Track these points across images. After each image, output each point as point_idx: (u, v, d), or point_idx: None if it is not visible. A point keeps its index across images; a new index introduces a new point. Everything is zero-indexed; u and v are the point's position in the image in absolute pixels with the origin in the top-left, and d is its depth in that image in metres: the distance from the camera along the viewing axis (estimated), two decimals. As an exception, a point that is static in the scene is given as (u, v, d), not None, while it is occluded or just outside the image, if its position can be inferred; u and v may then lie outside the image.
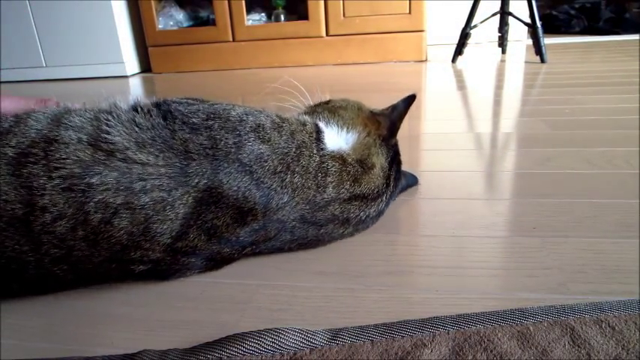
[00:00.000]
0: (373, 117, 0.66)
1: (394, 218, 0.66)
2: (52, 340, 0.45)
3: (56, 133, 0.48)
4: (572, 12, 3.21)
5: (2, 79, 2.37)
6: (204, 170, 0.49)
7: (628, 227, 0.60)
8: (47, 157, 0.46)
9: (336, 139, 0.60)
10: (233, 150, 0.51)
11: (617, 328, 0.41)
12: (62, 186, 0.45)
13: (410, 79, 1.88)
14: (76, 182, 0.45)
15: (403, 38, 2.29)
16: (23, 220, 0.44)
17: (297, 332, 0.42)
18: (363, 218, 0.59)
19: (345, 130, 0.61)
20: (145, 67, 2.53)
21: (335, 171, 0.56)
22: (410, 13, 2.23)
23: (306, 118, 0.61)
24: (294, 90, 0.72)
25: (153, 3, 2.35)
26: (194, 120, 0.52)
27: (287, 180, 0.52)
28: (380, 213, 0.62)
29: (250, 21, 2.41)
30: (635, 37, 2.71)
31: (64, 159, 0.46)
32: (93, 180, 0.45)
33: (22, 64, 2.37)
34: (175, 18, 2.46)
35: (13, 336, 0.46)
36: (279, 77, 2.03)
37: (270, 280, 0.53)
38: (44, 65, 2.35)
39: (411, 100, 0.66)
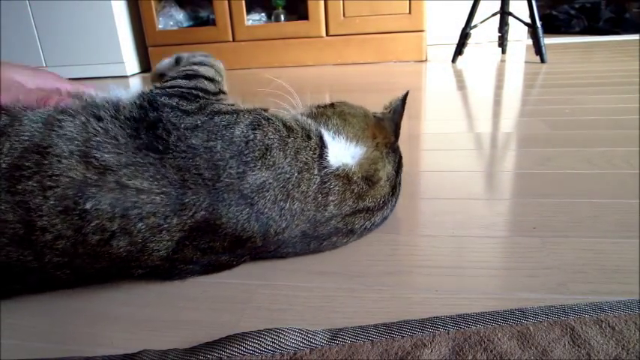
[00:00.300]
0: (379, 123, 0.64)
1: (394, 218, 0.66)
2: (52, 340, 0.45)
3: (48, 142, 0.46)
4: (572, 12, 3.21)
5: (2, 79, 2.37)
6: (201, 201, 0.47)
7: (628, 227, 0.60)
8: (40, 172, 0.44)
9: (342, 152, 0.57)
10: (235, 181, 0.48)
11: (617, 328, 0.41)
12: (58, 208, 0.44)
13: (410, 79, 1.88)
14: (72, 206, 0.44)
15: (403, 38, 2.29)
16: (25, 238, 0.45)
17: (297, 332, 0.42)
18: (369, 227, 0.59)
19: (354, 142, 0.58)
20: (145, 67, 2.53)
21: (337, 190, 0.54)
22: (410, 13, 2.23)
23: (312, 126, 0.57)
24: (287, 93, 0.70)
25: (153, 3, 2.35)
26: (193, 141, 0.48)
27: (286, 208, 0.51)
28: (385, 218, 0.61)
29: (250, 21, 2.42)
30: (635, 37, 2.71)
31: (57, 176, 0.44)
32: (87, 206, 0.44)
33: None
34: (175, 18, 2.46)
35: (13, 336, 0.46)
36: (278, 77, 2.03)
37: (270, 280, 0.53)
38: (44, 65, 2.35)
39: (406, 97, 0.66)
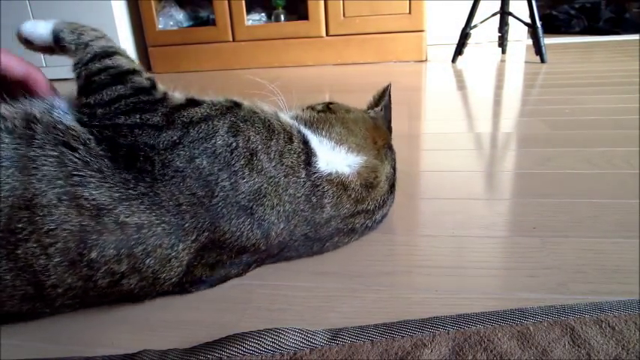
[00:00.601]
0: (376, 125, 0.64)
1: (394, 218, 0.66)
2: (52, 340, 0.45)
3: (31, 191, 0.42)
4: (572, 12, 3.21)
5: (2, 79, 2.37)
6: (202, 222, 0.46)
7: (628, 227, 0.60)
8: (36, 231, 0.42)
9: (337, 161, 0.55)
10: (230, 193, 0.47)
11: (617, 328, 0.41)
12: (65, 264, 0.43)
13: (410, 79, 1.88)
14: (77, 258, 0.43)
15: (403, 38, 2.29)
16: (37, 295, 0.44)
17: (297, 332, 0.42)
18: (370, 225, 0.59)
19: (355, 152, 0.57)
20: (145, 67, 2.51)
21: (331, 194, 0.53)
22: (410, 13, 2.23)
23: (293, 128, 0.55)
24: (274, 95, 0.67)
25: (153, 3, 2.35)
26: (177, 164, 0.46)
27: (281, 211, 0.50)
28: (385, 215, 0.61)
29: (250, 21, 2.42)
30: (635, 37, 2.71)
31: (53, 230, 0.42)
32: (93, 255, 0.43)
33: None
34: (175, 18, 2.46)
35: (13, 336, 0.46)
36: (277, 77, 2.03)
37: (270, 280, 0.53)
38: (44, 65, 2.35)
39: (389, 90, 0.67)
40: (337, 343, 0.41)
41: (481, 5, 2.09)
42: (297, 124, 0.57)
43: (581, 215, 0.64)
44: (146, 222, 0.45)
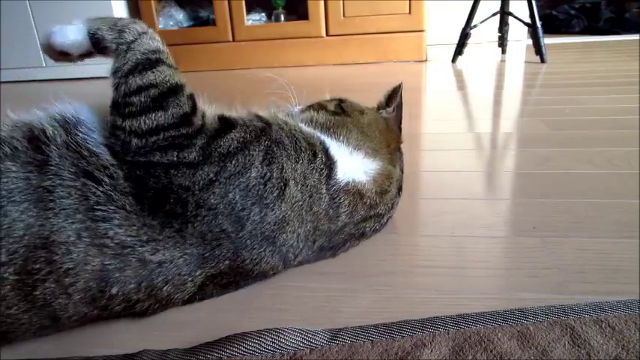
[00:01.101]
0: (388, 127, 0.63)
1: (394, 218, 0.66)
2: (52, 340, 0.45)
3: (48, 228, 0.39)
4: (572, 12, 3.21)
5: (2, 79, 2.37)
6: (225, 252, 0.46)
7: (628, 227, 0.60)
8: (54, 271, 0.39)
9: (355, 168, 0.55)
10: (258, 226, 0.47)
11: (617, 328, 0.41)
12: (84, 300, 0.41)
13: (410, 79, 1.88)
14: (98, 295, 0.42)
15: (403, 38, 2.29)
16: (52, 325, 0.43)
17: (297, 332, 0.42)
18: (378, 228, 0.59)
19: (371, 158, 0.57)
20: (145, 67, 2.53)
21: (348, 203, 0.53)
22: (410, 13, 2.23)
23: (314, 139, 0.53)
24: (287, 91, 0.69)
25: (153, 3, 2.35)
26: (212, 201, 0.45)
27: (301, 233, 0.50)
28: (390, 217, 0.62)
29: (250, 21, 2.42)
30: (635, 37, 2.71)
31: (73, 269, 0.40)
32: (114, 291, 0.42)
33: (22, 64, 2.36)
34: (175, 18, 2.46)
35: (13, 336, 0.46)
36: (278, 77, 2.03)
37: (271, 280, 0.53)
38: (44, 65, 2.35)
39: (401, 90, 0.66)
40: (337, 343, 0.41)
41: (481, 5, 2.09)
42: (317, 132, 0.56)
43: (581, 215, 0.64)
44: (169, 257, 0.44)
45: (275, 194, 0.47)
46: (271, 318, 0.47)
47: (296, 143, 0.51)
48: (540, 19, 1.98)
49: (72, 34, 0.49)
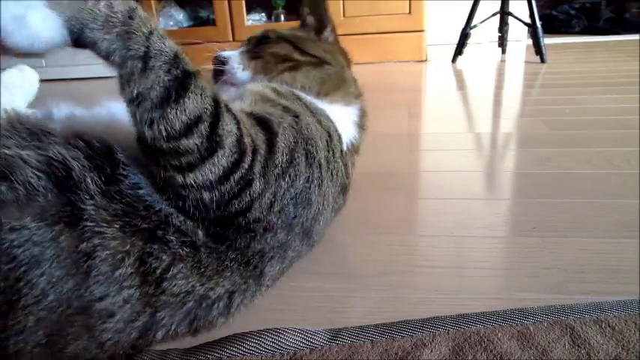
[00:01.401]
0: (340, 49, 0.68)
1: (394, 218, 0.66)
2: (52, 340, 0.45)
3: (87, 297, 0.33)
4: (572, 12, 3.21)
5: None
6: (274, 263, 0.47)
7: (628, 227, 0.60)
8: (92, 336, 0.35)
9: (348, 123, 0.61)
10: (303, 225, 0.48)
11: (617, 328, 0.41)
12: (123, 348, 0.38)
13: (410, 79, 1.88)
14: (141, 343, 0.39)
15: (403, 38, 2.29)
16: None
17: (297, 332, 0.42)
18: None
19: (352, 100, 0.64)
20: (145, 67, 2.52)
21: (351, 164, 0.60)
22: (410, 13, 2.23)
23: (323, 116, 0.56)
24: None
25: (153, 3, 2.35)
26: (272, 219, 0.44)
27: (327, 214, 0.53)
28: None
29: (250, 21, 2.41)
30: (635, 37, 2.71)
31: (113, 332, 0.36)
32: (158, 337, 0.39)
33: (22, 64, 2.36)
34: (175, 18, 2.46)
35: (13, 336, 0.46)
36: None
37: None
38: (44, 65, 2.35)
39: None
40: (337, 343, 0.41)
41: (481, 5, 2.09)
42: (321, 102, 0.58)
43: (581, 215, 0.64)
44: (229, 288, 0.43)
45: (316, 193, 0.49)
46: (271, 318, 0.47)
47: (319, 129, 0.53)
48: (540, 19, 1.98)
49: (40, 30, 0.32)
